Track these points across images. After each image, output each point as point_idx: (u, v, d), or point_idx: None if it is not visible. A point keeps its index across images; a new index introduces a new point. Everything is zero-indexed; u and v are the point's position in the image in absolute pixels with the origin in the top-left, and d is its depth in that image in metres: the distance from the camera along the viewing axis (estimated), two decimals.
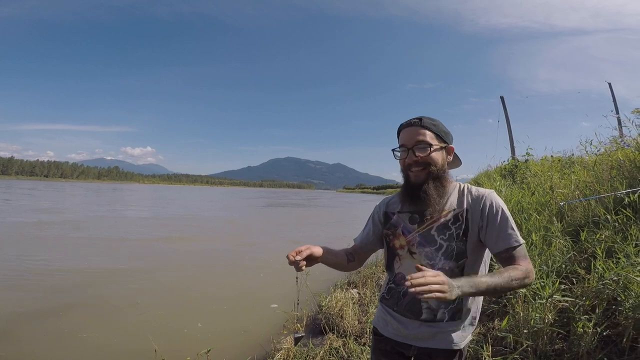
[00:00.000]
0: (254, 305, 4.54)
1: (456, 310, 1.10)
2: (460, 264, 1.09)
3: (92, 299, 4.55)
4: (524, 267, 1.00)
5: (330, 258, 1.23)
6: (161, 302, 4.57)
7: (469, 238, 1.09)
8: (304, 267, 1.12)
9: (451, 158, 1.20)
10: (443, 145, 1.17)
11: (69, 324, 3.77)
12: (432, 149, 1.13)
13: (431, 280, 0.82)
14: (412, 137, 1.15)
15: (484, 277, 0.95)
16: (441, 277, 0.85)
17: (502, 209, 1.08)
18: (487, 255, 1.15)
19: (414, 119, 1.18)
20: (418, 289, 0.80)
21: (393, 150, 1.22)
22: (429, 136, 1.14)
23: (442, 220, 1.12)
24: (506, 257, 1.05)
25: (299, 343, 2.04)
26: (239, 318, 4.12)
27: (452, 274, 1.07)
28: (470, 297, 1.12)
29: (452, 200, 1.14)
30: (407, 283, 0.81)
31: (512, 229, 1.06)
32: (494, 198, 1.11)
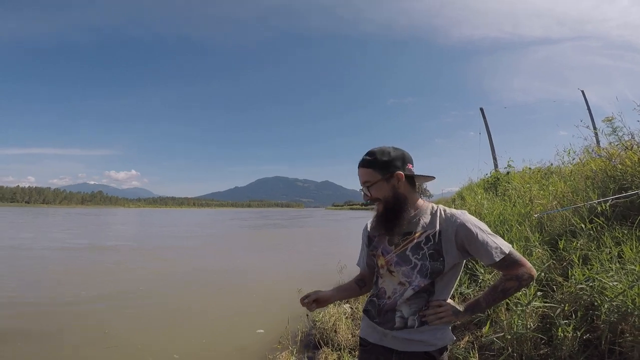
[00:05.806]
0: (245, 326, 4.48)
1: (422, 315, 1.17)
2: (434, 282, 1.18)
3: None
4: (514, 273, 1.13)
5: (344, 295, 1.45)
6: (142, 329, 4.43)
7: (446, 258, 1.15)
8: (314, 307, 1.34)
9: (401, 183, 1.22)
10: (386, 176, 1.21)
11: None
12: (373, 187, 1.22)
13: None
14: (360, 178, 1.27)
15: (480, 299, 1.19)
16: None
17: (478, 226, 1.15)
18: (460, 271, 1.25)
19: (363, 156, 1.27)
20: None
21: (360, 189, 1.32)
22: (368, 174, 1.23)
23: (415, 241, 1.19)
24: (500, 268, 1.16)
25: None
26: (231, 338, 4.06)
27: (428, 291, 1.17)
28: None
29: (425, 222, 1.20)
30: None
31: (494, 242, 1.13)
32: (467, 218, 1.17)
